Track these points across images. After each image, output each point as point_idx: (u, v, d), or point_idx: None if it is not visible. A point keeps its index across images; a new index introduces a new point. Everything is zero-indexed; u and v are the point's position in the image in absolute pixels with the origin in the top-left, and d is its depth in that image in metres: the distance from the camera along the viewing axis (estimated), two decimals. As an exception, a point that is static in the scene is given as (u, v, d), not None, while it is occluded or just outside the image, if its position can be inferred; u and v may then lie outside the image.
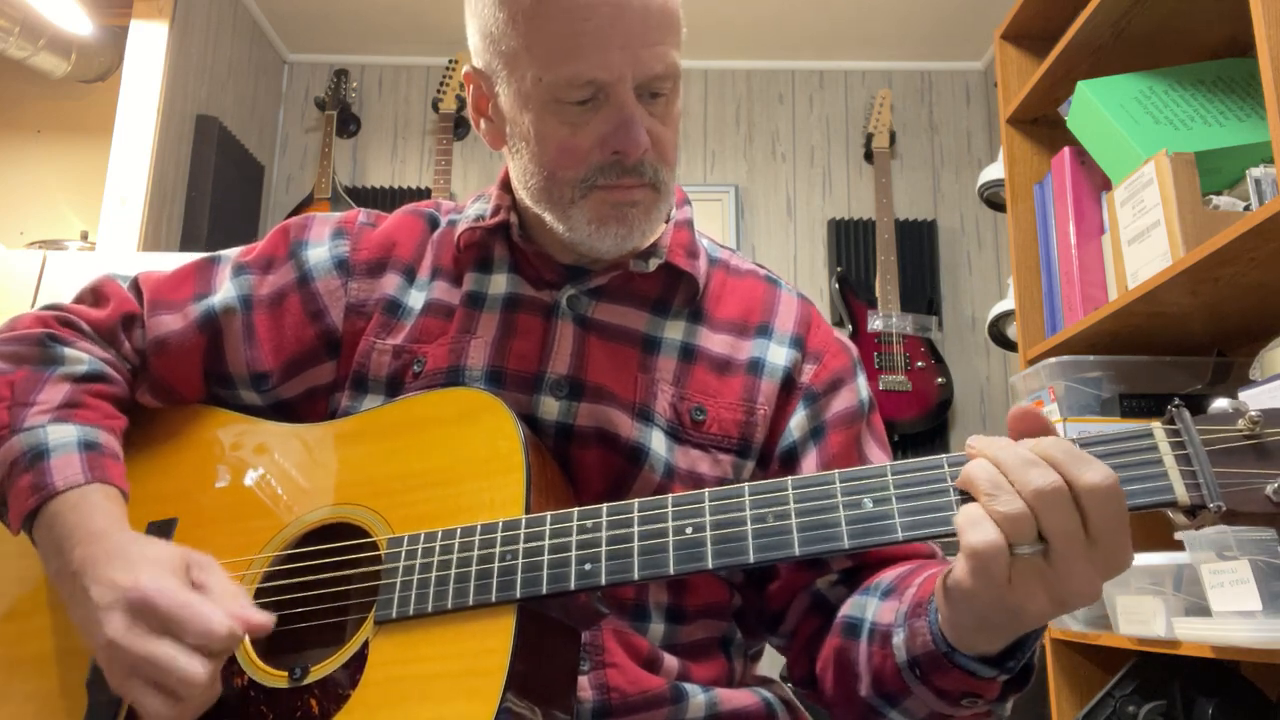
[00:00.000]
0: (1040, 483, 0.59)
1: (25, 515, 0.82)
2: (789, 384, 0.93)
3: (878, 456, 0.95)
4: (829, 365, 0.95)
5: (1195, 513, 0.61)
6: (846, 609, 0.85)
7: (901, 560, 0.87)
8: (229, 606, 0.75)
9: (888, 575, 0.84)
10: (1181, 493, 0.62)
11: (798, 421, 0.92)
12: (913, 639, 0.73)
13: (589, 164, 0.85)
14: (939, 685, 0.72)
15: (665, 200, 0.90)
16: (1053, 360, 1.80)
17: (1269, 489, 0.60)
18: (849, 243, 3.17)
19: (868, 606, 0.82)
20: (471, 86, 0.93)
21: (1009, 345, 2.57)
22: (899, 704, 0.77)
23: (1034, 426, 0.66)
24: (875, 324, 2.95)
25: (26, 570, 0.89)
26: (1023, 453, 0.61)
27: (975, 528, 0.60)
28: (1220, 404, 0.64)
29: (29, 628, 0.87)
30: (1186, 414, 0.63)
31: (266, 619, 0.76)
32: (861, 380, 0.97)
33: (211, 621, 0.72)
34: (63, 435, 0.85)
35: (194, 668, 0.72)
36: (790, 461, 0.92)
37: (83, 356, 0.92)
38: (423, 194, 3.24)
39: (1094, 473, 0.59)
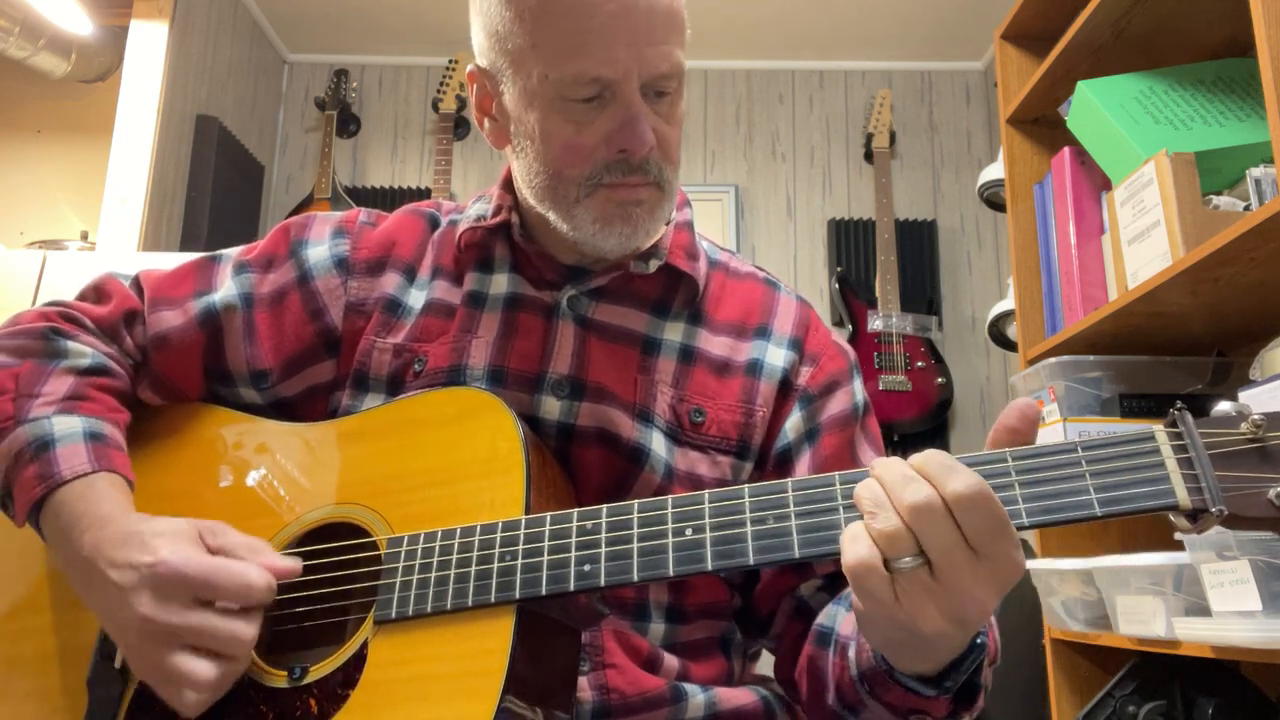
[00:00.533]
0: (914, 498, 0.59)
1: (32, 505, 0.82)
2: (786, 386, 0.94)
3: (871, 459, 0.95)
4: (825, 368, 0.96)
5: (1197, 516, 0.61)
6: (821, 617, 0.85)
7: None
8: (256, 560, 0.77)
9: None
10: (1183, 496, 0.61)
11: (793, 423, 0.92)
12: (859, 654, 0.74)
13: (594, 162, 0.85)
14: (885, 700, 0.72)
15: (669, 199, 0.90)
16: (1053, 360, 1.80)
17: (1271, 493, 0.60)
18: (849, 243, 3.17)
19: (837, 616, 0.83)
20: (475, 86, 0.93)
21: (1009, 345, 2.57)
22: (858, 715, 0.77)
23: (1027, 426, 0.66)
24: (875, 324, 2.95)
25: (27, 567, 0.89)
26: (902, 469, 0.61)
27: (851, 545, 0.60)
28: (1223, 407, 0.63)
29: (29, 625, 0.87)
30: (1189, 417, 0.63)
31: (293, 564, 0.79)
32: (858, 384, 0.97)
33: (248, 577, 0.75)
34: (68, 426, 0.85)
35: (238, 626, 0.74)
36: (784, 463, 0.92)
37: (86, 350, 0.92)
38: (423, 194, 3.24)
39: (959, 481, 0.59)
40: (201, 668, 0.73)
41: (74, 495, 0.82)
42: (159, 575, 0.74)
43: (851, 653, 0.76)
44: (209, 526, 0.80)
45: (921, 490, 0.59)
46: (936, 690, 0.69)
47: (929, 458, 0.61)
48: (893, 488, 0.60)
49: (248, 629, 0.75)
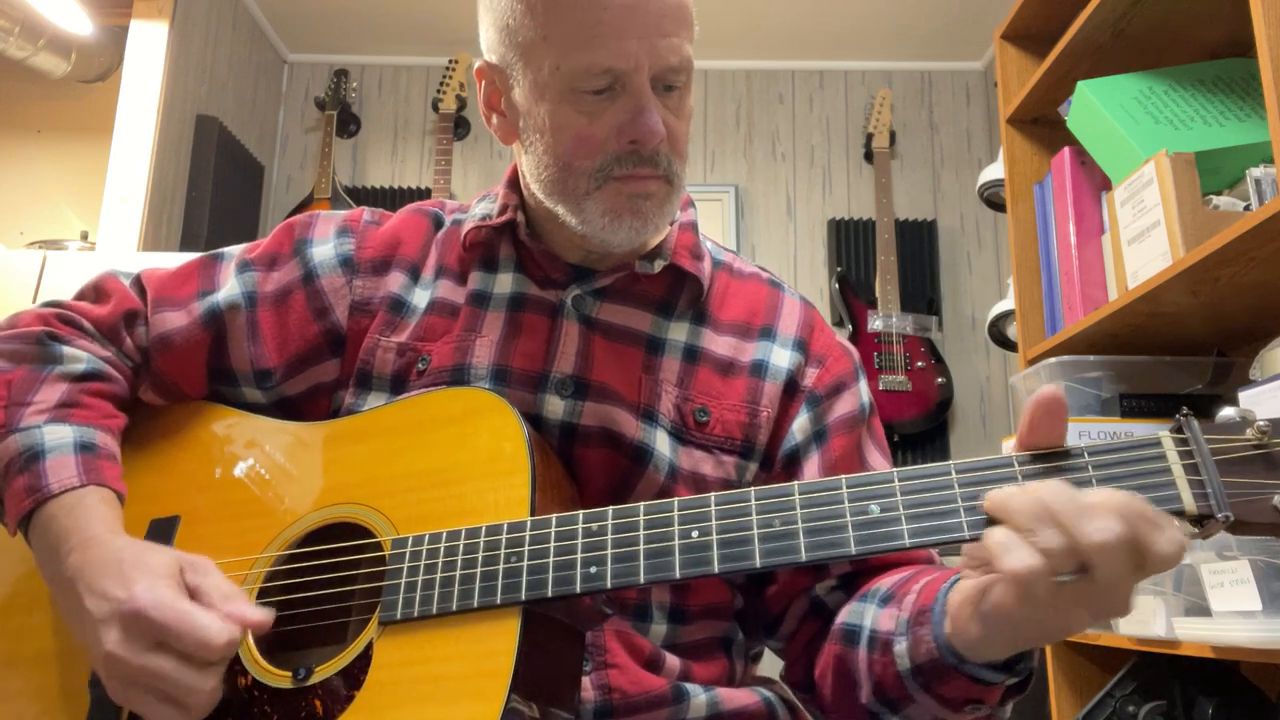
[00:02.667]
0: (1102, 536, 0.58)
1: (20, 517, 0.83)
2: (792, 387, 0.94)
3: (877, 460, 0.95)
4: (832, 369, 0.96)
5: (1202, 522, 0.61)
6: (844, 616, 0.85)
7: (899, 566, 0.88)
8: (225, 609, 0.75)
9: (885, 582, 0.85)
10: (1189, 502, 0.61)
11: (800, 424, 0.93)
12: (916, 647, 0.74)
13: (605, 153, 0.85)
14: (942, 693, 0.72)
15: (677, 194, 0.91)
16: (1053, 360, 1.80)
17: (1277, 499, 0.60)
18: (849, 243, 3.17)
19: (866, 614, 0.83)
20: (483, 82, 0.93)
21: (1009, 345, 2.57)
22: (900, 710, 0.77)
23: (1056, 421, 0.65)
24: (875, 324, 2.95)
25: (28, 568, 0.89)
26: (1077, 497, 0.60)
27: (1014, 553, 0.60)
28: (1228, 413, 0.63)
29: (31, 625, 0.87)
30: (1195, 423, 0.63)
31: (264, 616, 0.76)
32: (863, 384, 0.97)
33: (208, 632, 0.72)
34: (59, 436, 0.85)
35: (195, 678, 0.72)
36: (792, 464, 0.92)
37: (81, 355, 0.92)
38: (423, 194, 3.24)
39: (1170, 534, 0.59)
40: (160, 713, 0.72)
41: (62, 510, 0.81)
42: (126, 613, 0.73)
43: (900, 647, 0.75)
44: (192, 562, 0.78)
45: (1109, 528, 0.58)
46: (1005, 674, 0.69)
47: (1126, 501, 0.60)
48: (1071, 519, 0.59)
49: (203, 681, 0.72)
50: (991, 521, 0.63)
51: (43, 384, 0.89)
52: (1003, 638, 0.66)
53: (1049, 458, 0.65)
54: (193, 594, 0.76)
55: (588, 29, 0.81)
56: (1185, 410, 0.64)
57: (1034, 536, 0.59)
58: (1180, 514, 0.61)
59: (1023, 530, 0.60)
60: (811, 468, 0.91)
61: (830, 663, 0.85)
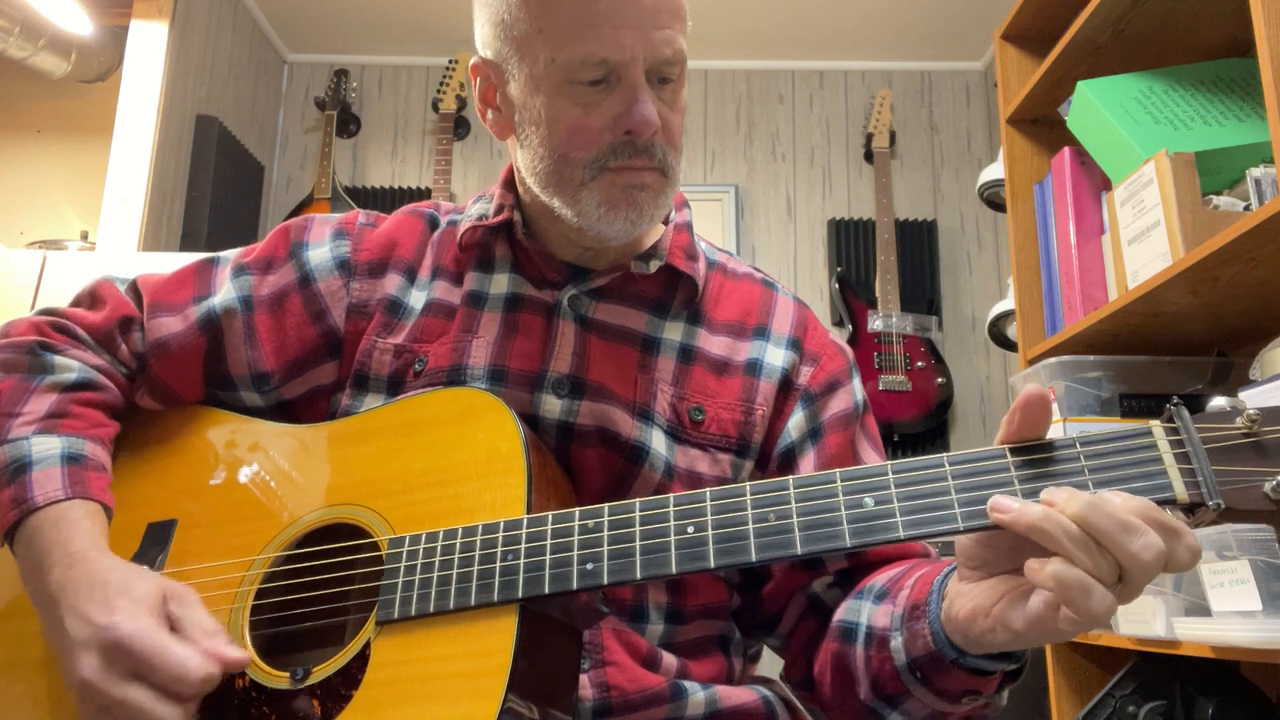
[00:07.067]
0: (1148, 555, 0.58)
1: (6, 529, 0.83)
2: (787, 385, 0.94)
3: (871, 457, 0.96)
4: (826, 367, 0.96)
5: (1194, 510, 0.62)
6: (841, 613, 0.85)
7: (895, 561, 0.88)
8: (204, 645, 0.74)
9: (880, 578, 0.85)
10: (1181, 491, 0.62)
11: (796, 422, 0.93)
12: (912, 641, 0.74)
13: (601, 144, 0.86)
14: (939, 685, 0.73)
15: (672, 186, 0.91)
16: (1053, 360, 1.80)
17: (1267, 486, 0.60)
18: (849, 243, 3.17)
19: (862, 610, 0.83)
20: (479, 78, 0.93)
21: (1009, 345, 2.57)
22: (898, 706, 0.78)
23: (1039, 418, 0.65)
24: (875, 324, 2.95)
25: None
26: (1117, 513, 0.60)
27: (1068, 586, 0.59)
28: (1218, 402, 0.64)
29: (28, 629, 0.87)
30: (1185, 412, 0.63)
31: (241, 655, 0.75)
32: (857, 383, 0.98)
33: (186, 667, 0.72)
34: (46, 448, 0.85)
35: (168, 712, 0.71)
36: (788, 462, 0.92)
37: (72, 364, 0.92)
38: (423, 194, 3.24)
39: (1188, 543, 0.60)
40: None
41: (47, 523, 0.81)
42: (106, 640, 0.73)
43: (896, 642, 0.76)
44: (176, 592, 0.78)
45: (1154, 544, 0.58)
46: (1003, 662, 0.70)
47: (1141, 507, 0.60)
48: (1112, 535, 0.59)
49: (176, 717, 0.71)
50: (991, 524, 0.63)
51: (32, 394, 0.89)
52: (1028, 642, 0.66)
53: (1041, 449, 0.65)
54: (173, 626, 0.75)
55: (582, 21, 0.82)
56: (1176, 400, 0.64)
57: (1083, 560, 0.59)
58: (1172, 502, 0.62)
59: (1066, 554, 0.59)
60: (807, 465, 0.92)
61: (828, 660, 0.85)
